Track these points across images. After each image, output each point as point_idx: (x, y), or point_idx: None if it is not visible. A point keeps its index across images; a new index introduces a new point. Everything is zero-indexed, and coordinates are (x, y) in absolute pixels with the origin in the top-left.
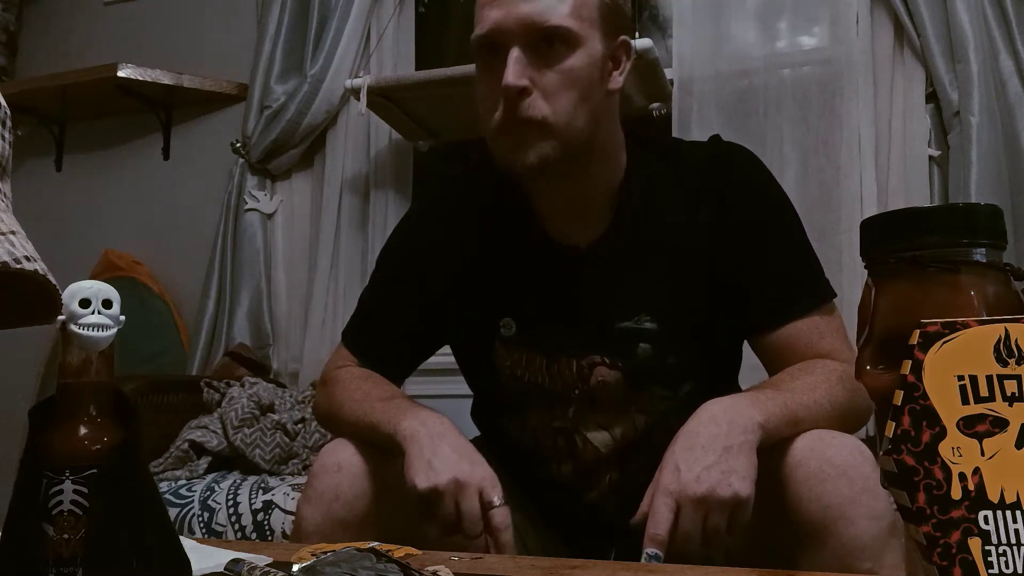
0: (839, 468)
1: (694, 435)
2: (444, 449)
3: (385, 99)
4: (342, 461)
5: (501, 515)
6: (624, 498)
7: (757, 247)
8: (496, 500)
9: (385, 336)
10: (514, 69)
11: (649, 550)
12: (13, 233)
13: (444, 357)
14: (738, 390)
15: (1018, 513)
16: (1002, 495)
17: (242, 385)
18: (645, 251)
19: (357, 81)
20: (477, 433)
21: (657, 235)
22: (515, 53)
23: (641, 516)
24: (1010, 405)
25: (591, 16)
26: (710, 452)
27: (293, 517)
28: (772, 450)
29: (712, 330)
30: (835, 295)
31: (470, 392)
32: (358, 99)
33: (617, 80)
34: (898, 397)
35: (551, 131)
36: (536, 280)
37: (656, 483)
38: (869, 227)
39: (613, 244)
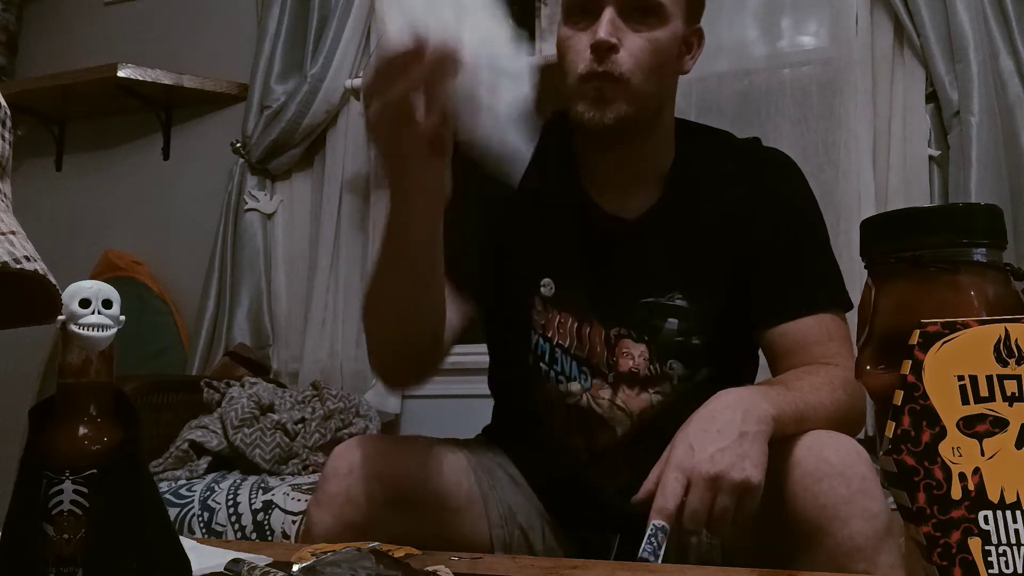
0: (835, 468)
1: (709, 419)
2: None
3: None
4: (353, 464)
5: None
6: (629, 483)
7: (779, 242)
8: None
9: (462, 262)
10: (607, 27)
11: (656, 522)
12: (13, 233)
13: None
14: None
15: (1018, 513)
16: (1002, 495)
17: (242, 385)
18: (686, 232)
19: (357, 81)
20: (479, 430)
21: (698, 218)
22: (609, 13)
23: (645, 494)
24: (1010, 405)
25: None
26: (725, 435)
27: (293, 517)
28: (771, 448)
29: (734, 318)
30: (851, 306)
31: (476, 393)
32: (358, 99)
33: (688, 64)
34: (898, 397)
35: (629, 90)
36: (579, 245)
37: (666, 460)
38: (869, 227)
39: (658, 221)
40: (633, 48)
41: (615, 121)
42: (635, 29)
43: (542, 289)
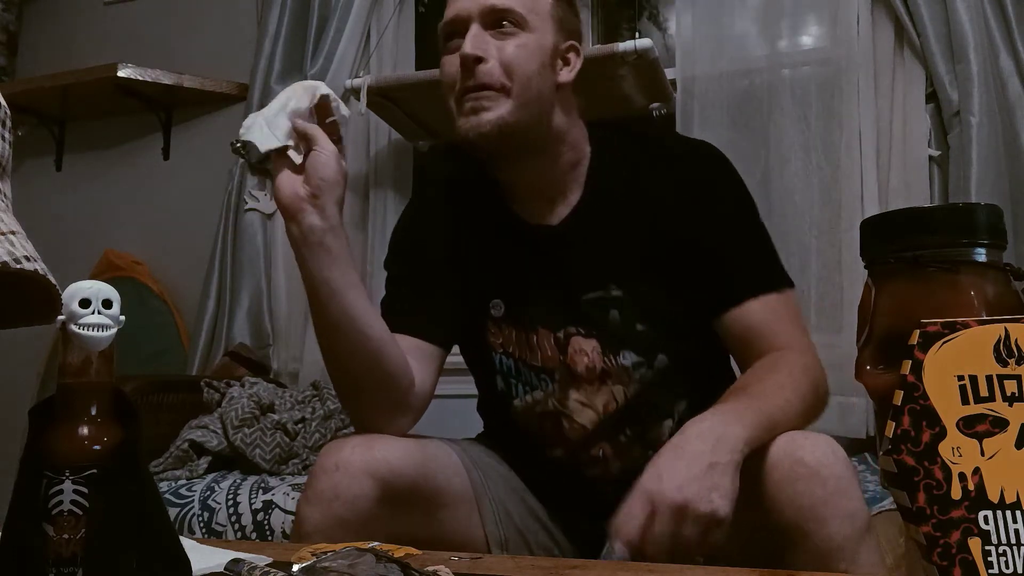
0: (811, 469)
1: (681, 448)
2: None
3: (385, 99)
4: (340, 461)
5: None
6: (618, 475)
7: (711, 231)
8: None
9: (417, 314)
10: (471, 42)
11: (615, 545)
12: (13, 233)
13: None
14: (731, 377)
15: (1018, 513)
16: (1002, 495)
17: (242, 385)
18: (610, 226)
19: (357, 81)
20: (479, 430)
21: (618, 211)
22: (474, 29)
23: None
24: (1010, 405)
25: (543, 12)
26: (695, 466)
27: (293, 517)
28: (745, 456)
29: (679, 303)
30: (792, 285)
31: (475, 393)
32: (358, 99)
33: (566, 75)
34: (898, 397)
35: (507, 92)
36: (515, 261)
37: (636, 484)
38: (869, 227)
39: (580, 222)
40: (502, 55)
41: (493, 127)
42: (502, 37)
43: (492, 311)
